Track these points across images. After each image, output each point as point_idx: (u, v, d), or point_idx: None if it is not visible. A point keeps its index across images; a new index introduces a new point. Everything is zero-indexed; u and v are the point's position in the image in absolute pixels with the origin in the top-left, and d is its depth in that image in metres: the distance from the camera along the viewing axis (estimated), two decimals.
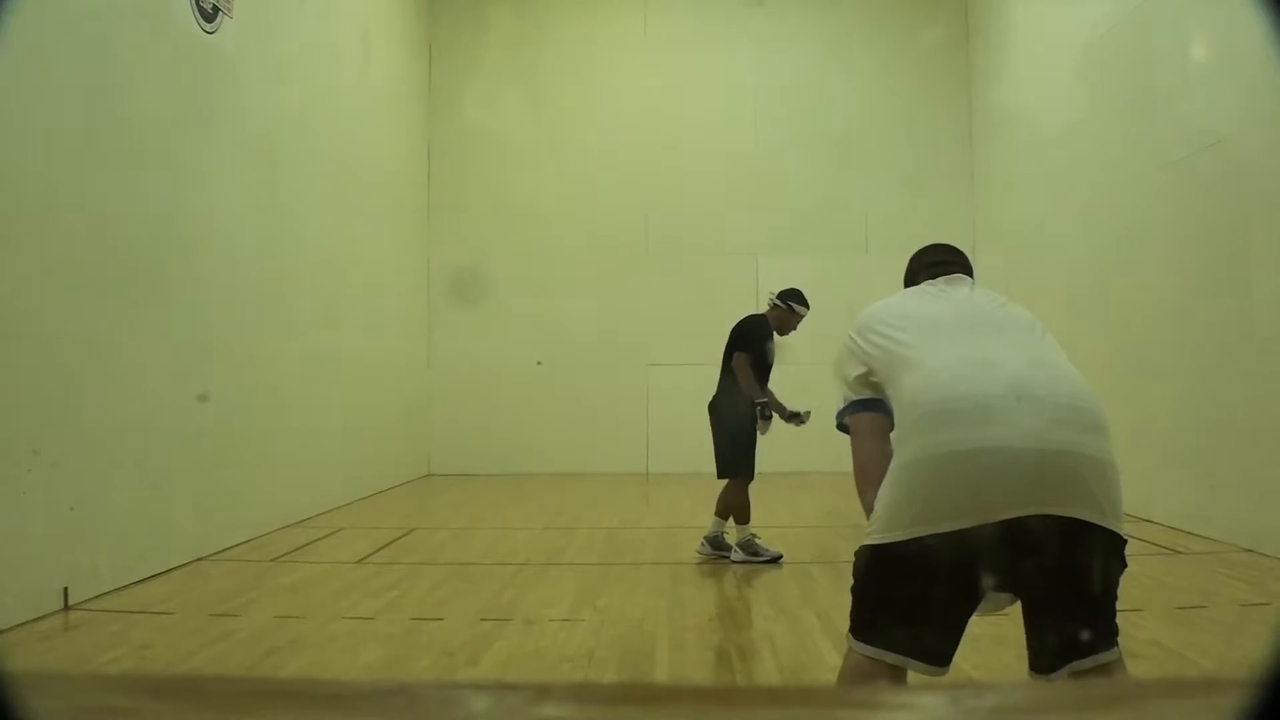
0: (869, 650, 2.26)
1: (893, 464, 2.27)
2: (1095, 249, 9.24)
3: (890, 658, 2.24)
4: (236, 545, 6.97)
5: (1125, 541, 2.32)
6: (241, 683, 0.54)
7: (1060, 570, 2.25)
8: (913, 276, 2.88)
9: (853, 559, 2.39)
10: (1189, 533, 7.23)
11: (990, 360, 2.29)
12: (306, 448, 8.41)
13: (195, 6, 6.76)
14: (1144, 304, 8.19)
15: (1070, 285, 9.81)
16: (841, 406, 2.57)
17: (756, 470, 6.60)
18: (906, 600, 2.25)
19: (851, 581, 2.37)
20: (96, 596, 5.29)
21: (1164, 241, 7.89)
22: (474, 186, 13.09)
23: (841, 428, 2.59)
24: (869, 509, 2.36)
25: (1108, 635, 2.34)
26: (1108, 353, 8.89)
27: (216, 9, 7.01)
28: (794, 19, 13.29)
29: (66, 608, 5.06)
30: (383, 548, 7.20)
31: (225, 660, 4.24)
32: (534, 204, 13.05)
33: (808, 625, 4.87)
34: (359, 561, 6.70)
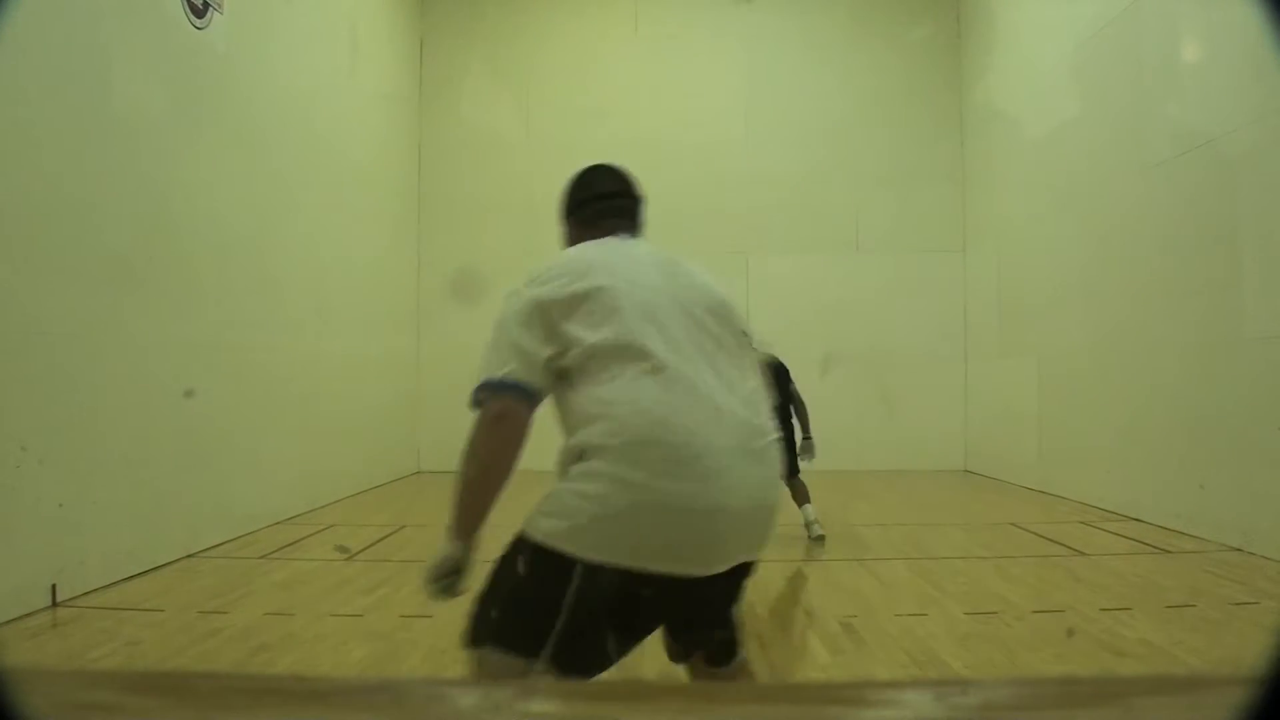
0: (511, 661, 2.06)
1: (603, 482, 2.04)
2: (1085, 248, 9.27)
3: (542, 668, 2.04)
4: (226, 542, 6.95)
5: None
6: (227, 679, 0.54)
7: (725, 601, 2.30)
8: (592, 216, 2.54)
9: (508, 555, 2.15)
10: (1178, 531, 7.26)
11: (719, 406, 2.12)
12: (296, 444, 8.39)
13: (186, 2, 6.74)
14: (1133, 303, 8.21)
15: (1059, 284, 9.84)
16: (491, 377, 2.16)
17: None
18: (587, 623, 2.05)
19: (512, 582, 2.13)
20: (85, 593, 5.28)
21: (1153, 240, 7.92)
22: (465, 183, 13.07)
23: (479, 404, 2.18)
24: (472, 521, 2.14)
25: (741, 640, 2.42)
26: (1097, 352, 8.93)
27: (207, 5, 6.99)
28: (784, 17, 13.30)
29: (55, 604, 5.04)
30: (372, 545, 7.19)
31: (214, 657, 4.23)
32: (524, 200, 13.03)
33: (797, 622, 4.87)
34: (348, 559, 6.68)
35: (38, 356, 5.01)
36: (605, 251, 2.34)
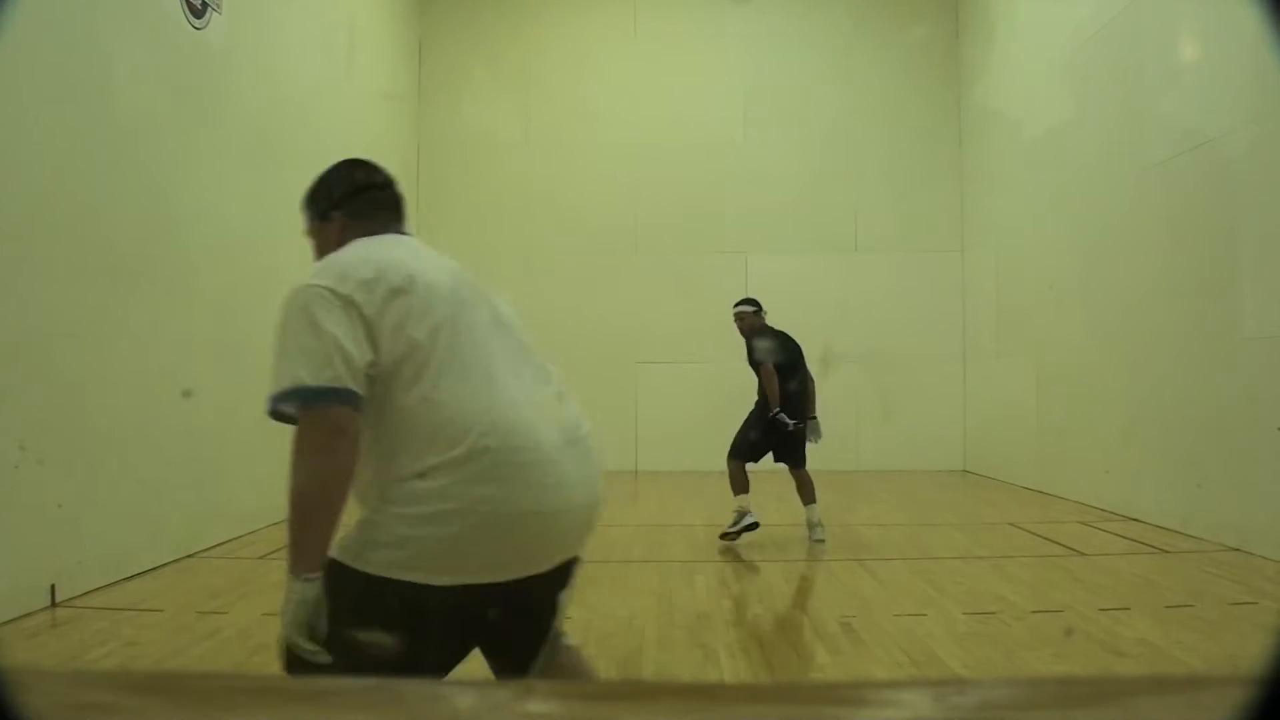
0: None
1: (451, 501, 1.94)
2: (1082, 248, 9.27)
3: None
4: (225, 542, 6.95)
5: None
6: (225, 679, 0.54)
7: (555, 597, 2.22)
8: (366, 209, 2.32)
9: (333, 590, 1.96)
10: (1176, 531, 7.26)
11: (537, 402, 2.11)
12: None
13: (185, 2, 6.74)
14: (1131, 302, 8.21)
15: (1057, 284, 9.84)
16: (311, 384, 1.92)
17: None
18: (427, 644, 1.96)
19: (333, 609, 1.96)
20: (84, 593, 5.27)
21: (1150, 241, 7.92)
22: (463, 183, 13.07)
23: (285, 416, 1.97)
24: (319, 552, 1.96)
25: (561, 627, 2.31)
26: (1095, 351, 8.93)
27: (206, 5, 6.99)
28: (783, 17, 13.29)
29: (54, 604, 5.04)
30: None
31: (213, 657, 4.23)
32: (523, 201, 13.05)
33: (796, 622, 4.87)
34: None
35: (37, 356, 5.01)
36: (398, 249, 2.17)
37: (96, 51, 5.67)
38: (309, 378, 1.91)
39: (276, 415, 1.99)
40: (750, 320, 7.26)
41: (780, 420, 6.95)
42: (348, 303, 1.97)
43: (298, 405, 1.93)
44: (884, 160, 13.01)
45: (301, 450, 1.94)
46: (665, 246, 12.87)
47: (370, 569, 1.96)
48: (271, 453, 8.45)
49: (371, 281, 2.00)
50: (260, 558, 6.61)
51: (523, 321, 2.30)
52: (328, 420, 1.92)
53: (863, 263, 12.94)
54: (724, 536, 6.96)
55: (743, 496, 6.98)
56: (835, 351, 11.56)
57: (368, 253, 2.11)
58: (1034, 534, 7.56)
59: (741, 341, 7.23)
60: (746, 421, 7.16)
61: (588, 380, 12.96)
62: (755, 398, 7.19)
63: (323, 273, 2.06)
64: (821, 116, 13.09)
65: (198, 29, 6.92)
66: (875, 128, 13.04)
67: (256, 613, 5.04)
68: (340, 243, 2.22)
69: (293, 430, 1.96)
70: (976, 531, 7.98)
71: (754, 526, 6.90)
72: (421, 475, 1.96)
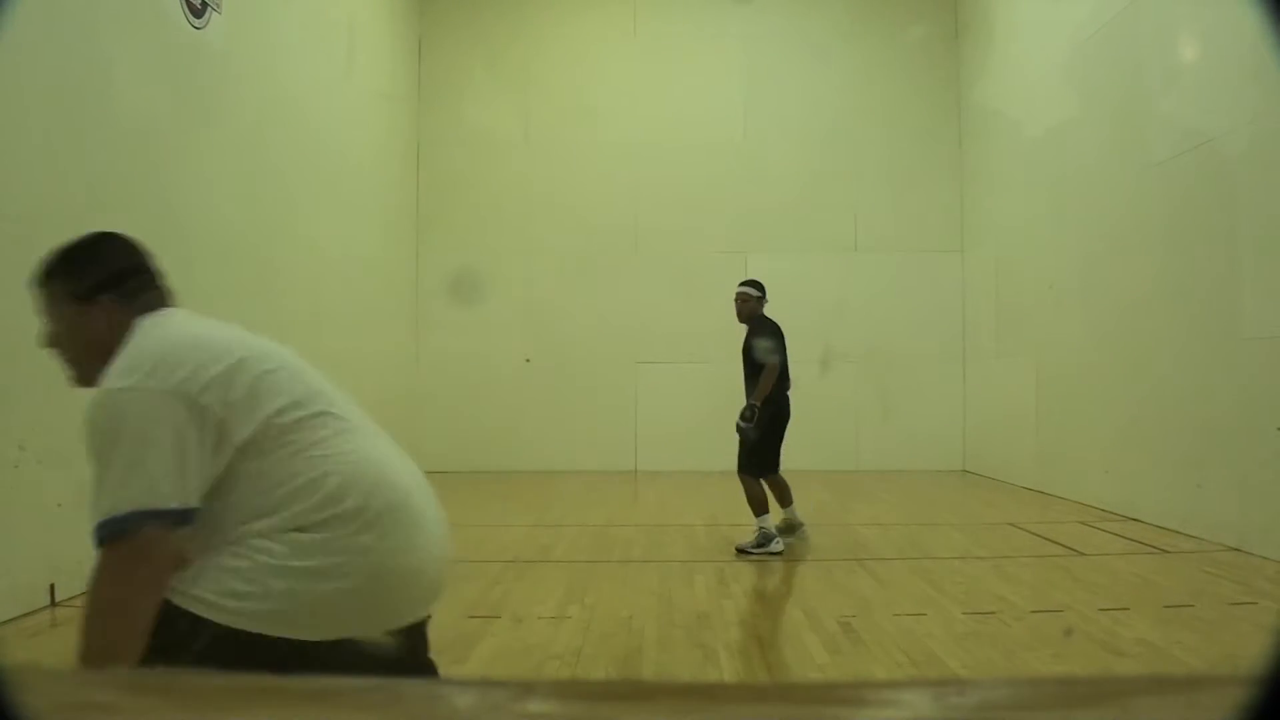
0: None
1: (332, 555, 1.86)
2: (1082, 248, 9.27)
3: None
4: None
5: None
6: (222, 679, 0.54)
7: (421, 647, 2.15)
8: (140, 288, 2.10)
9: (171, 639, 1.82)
10: (1176, 531, 7.26)
11: (392, 454, 2.08)
12: None
13: (184, 2, 6.73)
14: (1131, 302, 8.21)
15: (1057, 284, 9.84)
16: (126, 510, 1.78)
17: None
18: None
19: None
20: (84, 593, 5.26)
21: (1150, 241, 7.92)
22: (463, 183, 13.07)
23: (111, 540, 1.81)
24: (113, 653, 1.78)
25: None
26: (1095, 351, 8.93)
27: (205, 4, 6.98)
28: (783, 17, 13.30)
29: (53, 604, 5.04)
30: None
31: None
32: (523, 200, 13.05)
33: (796, 622, 4.87)
34: None
35: (36, 356, 4.99)
36: (201, 324, 2.04)
37: (96, 51, 5.67)
38: (135, 500, 1.78)
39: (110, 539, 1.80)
40: (752, 305, 6.97)
41: (751, 412, 6.63)
42: (180, 395, 1.82)
43: (116, 529, 1.79)
44: (884, 160, 13.01)
45: (109, 583, 1.81)
46: (665, 246, 12.87)
47: (224, 619, 1.82)
48: None
49: (200, 365, 1.86)
50: None
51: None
52: (153, 544, 1.78)
53: (862, 262, 12.95)
54: (741, 551, 6.69)
55: (765, 516, 6.73)
56: (835, 351, 11.58)
57: (182, 334, 1.96)
58: (1033, 534, 7.55)
59: (741, 338, 7.10)
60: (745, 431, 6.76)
61: (587, 380, 12.99)
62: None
63: (133, 369, 1.87)
64: (821, 116, 13.10)
65: (197, 29, 6.91)
66: (875, 128, 13.04)
67: None
68: (112, 327, 2.01)
69: None
70: (976, 531, 7.98)
71: (778, 552, 6.63)
72: (302, 529, 1.86)
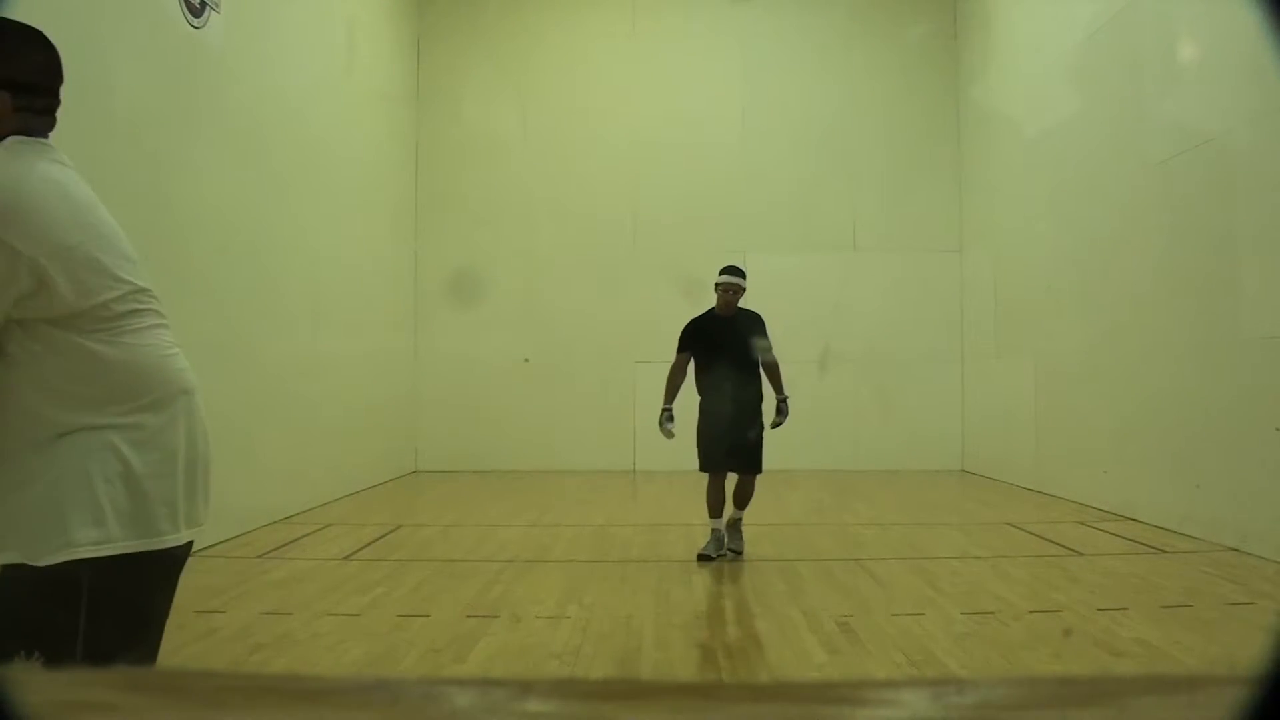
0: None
1: (154, 451, 1.79)
2: (1081, 248, 9.28)
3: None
4: (222, 541, 6.94)
5: None
6: (222, 677, 0.54)
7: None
8: (44, 108, 1.93)
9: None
10: (1174, 531, 7.26)
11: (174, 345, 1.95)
12: (293, 444, 8.38)
13: (183, 2, 6.73)
14: (1130, 303, 8.21)
15: (1056, 284, 9.84)
16: None
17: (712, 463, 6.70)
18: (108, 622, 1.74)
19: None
20: None
21: (1150, 241, 7.92)
22: (462, 182, 13.07)
23: None
24: None
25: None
26: (1093, 351, 8.93)
27: (204, 4, 6.98)
28: (782, 17, 13.30)
29: None
30: (369, 544, 7.19)
31: (210, 656, 4.23)
32: (522, 200, 13.04)
33: (794, 622, 4.87)
34: (345, 558, 6.68)
35: None
36: (64, 170, 1.87)
37: (96, 51, 5.67)
38: None
39: None
40: (739, 298, 6.77)
41: (784, 405, 6.57)
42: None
43: None
44: (883, 160, 13.01)
45: None
46: (664, 246, 12.85)
47: (49, 560, 1.66)
48: (268, 452, 8.45)
49: (56, 205, 1.72)
50: (257, 557, 6.61)
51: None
52: None
53: (861, 262, 12.94)
54: (703, 558, 6.44)
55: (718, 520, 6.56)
56: (833, 351, 11.57)
57: (48, 170, 1.80)
58: (1032, 534, 7.56)
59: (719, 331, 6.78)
60: (757, 429, 6.60)
61: (586, 379, 12.99)
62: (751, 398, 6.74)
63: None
64: (820, 116, 13.09)
65: (196, 28, 6.91)
66: (874, 127, 13.04)
67: (254, 612, 5.05)
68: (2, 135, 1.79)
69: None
70: (974, 531, 7.98)
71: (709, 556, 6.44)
72: (135, 425, 1.74)
